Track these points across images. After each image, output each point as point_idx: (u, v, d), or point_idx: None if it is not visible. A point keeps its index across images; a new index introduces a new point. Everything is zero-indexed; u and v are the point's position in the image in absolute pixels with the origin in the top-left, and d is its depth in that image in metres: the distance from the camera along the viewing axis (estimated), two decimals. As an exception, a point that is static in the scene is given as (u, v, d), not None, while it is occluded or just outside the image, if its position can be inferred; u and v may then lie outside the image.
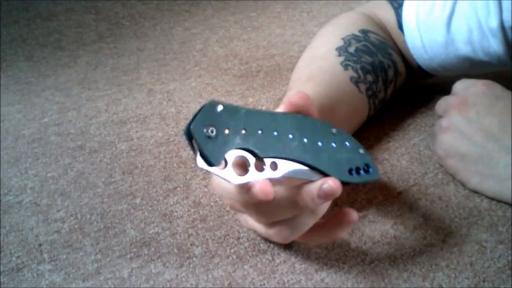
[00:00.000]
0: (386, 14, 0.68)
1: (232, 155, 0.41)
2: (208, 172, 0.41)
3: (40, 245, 0.52)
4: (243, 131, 0.42)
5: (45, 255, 0.50)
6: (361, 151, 0.47)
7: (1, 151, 0.65)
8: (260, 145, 0.42)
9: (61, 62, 0.86)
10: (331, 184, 0.42)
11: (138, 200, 0.56)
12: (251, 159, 0.42)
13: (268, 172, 0.42)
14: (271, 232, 0.47)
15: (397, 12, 0.66)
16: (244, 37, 0.90)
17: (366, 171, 0.46)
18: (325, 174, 0.44)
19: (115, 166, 0.62)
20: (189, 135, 0.40)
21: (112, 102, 0.74)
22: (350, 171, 0.46)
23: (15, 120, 0.72)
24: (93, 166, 0.62)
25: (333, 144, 0.45)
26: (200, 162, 0.40)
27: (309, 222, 0.45)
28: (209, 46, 0.88)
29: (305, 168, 0.44)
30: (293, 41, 0.88)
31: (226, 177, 0.41)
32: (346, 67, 0.61)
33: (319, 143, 0.45)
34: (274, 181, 0.42)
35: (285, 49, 0.86)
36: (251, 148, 0.42)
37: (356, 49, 0.62)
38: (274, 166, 0.43)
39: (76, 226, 0.53)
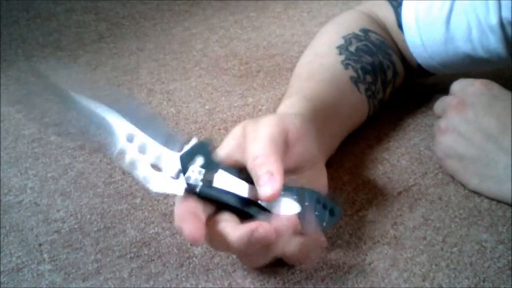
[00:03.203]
0: (385, 13, 0.68)
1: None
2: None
3: (40, 245, 0.52)
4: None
5: (45, 255, 0.50)
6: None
7: (1, 151, 0.65)
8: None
9: (61, 62, 0.86)
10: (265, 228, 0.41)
11: (138, 200, 0.56)
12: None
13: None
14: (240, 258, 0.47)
15: (397, 11, 0.66)
16: (244, 37, 0.90)
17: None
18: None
19: (115, 166, 0.62)
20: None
21: (112, 102, 0.74)
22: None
23: (15, 120, 0.72)
24: (93, 166, 0.62)
25: None
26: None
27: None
28: (209, 46, 0.88)
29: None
30: (293, 41, 0.88)
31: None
32: (346, 66, 0.61)
33: None
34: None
35: (285, 49, 0.86)
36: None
37: (357, 49, 0.62)
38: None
39: (76, 226, 0.53)
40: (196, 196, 0.44)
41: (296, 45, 0.87)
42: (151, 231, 0.52)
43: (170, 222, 0.53)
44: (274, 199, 0.43)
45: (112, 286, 0.47)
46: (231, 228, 0.43)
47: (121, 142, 0.45)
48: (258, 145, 0.45)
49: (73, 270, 0.49)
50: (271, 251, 0.44)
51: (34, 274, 0.49)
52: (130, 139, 0.45)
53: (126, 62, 0.85)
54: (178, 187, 0.44)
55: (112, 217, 0.54)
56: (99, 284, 0.47)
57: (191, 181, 0.44)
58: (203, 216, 0.43)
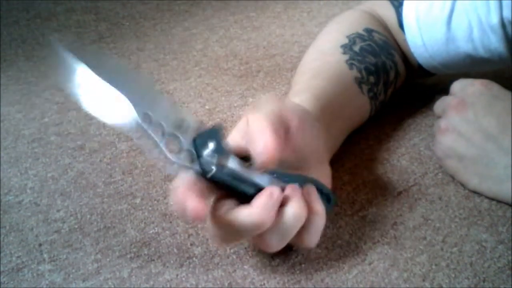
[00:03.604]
0: (386, 12, 0.68)
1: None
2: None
3: (40, 245, 0.52)
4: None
5: (45, 255, 0.50)
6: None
7: (1, 151, 0.65)
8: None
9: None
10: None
11: (138, 200, 0.56)
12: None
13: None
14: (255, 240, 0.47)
15: (398, 10, 0.66)
16: (244, 37, 0.90)
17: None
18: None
19: (115, 166, 0.62)
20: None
21: (112, 102, 0.74)
22: None
23: (15, 120, 0.72)
24: (93, 166, 0.62)
25: None
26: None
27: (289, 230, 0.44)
28: (209, 46, 0.88)
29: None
30: (293, 41, 0.88)
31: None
32: (351, 66, 0.61)
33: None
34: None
35: (285, 49, 0.86)
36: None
37: (361, 48, 0.62)
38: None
39: (76, 226, 0.53)
40: (204, 180, 0.43)
41: (296, 45, 0.87)
42: (151, 231, 0.52)
43: (170, 222, 0.53)
44: (270, 162, 0.44)
45: (112, 286, 0.47)
46: (243, 209, 0.43)
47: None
48: (256, 125, 0.45)
49: (73, 270, 0.49)
50: (287, 233, 0.44)
51: (34, 274, 0.49)
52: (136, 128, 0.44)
53: (126, 62, 0.85)
54: (189, 169, 0.43)
55: (112, 217, 0.54)
56: (99, 284, 0.47)
57: (204, 165, 0.43)
58: (206, 200, 0.43)
